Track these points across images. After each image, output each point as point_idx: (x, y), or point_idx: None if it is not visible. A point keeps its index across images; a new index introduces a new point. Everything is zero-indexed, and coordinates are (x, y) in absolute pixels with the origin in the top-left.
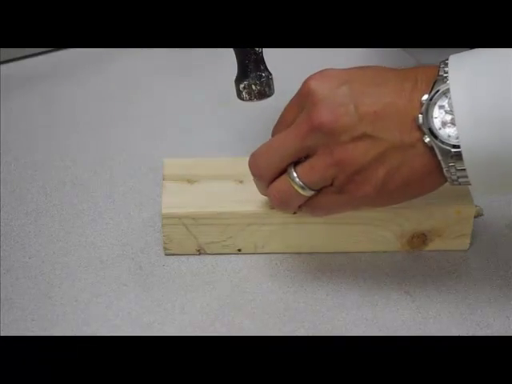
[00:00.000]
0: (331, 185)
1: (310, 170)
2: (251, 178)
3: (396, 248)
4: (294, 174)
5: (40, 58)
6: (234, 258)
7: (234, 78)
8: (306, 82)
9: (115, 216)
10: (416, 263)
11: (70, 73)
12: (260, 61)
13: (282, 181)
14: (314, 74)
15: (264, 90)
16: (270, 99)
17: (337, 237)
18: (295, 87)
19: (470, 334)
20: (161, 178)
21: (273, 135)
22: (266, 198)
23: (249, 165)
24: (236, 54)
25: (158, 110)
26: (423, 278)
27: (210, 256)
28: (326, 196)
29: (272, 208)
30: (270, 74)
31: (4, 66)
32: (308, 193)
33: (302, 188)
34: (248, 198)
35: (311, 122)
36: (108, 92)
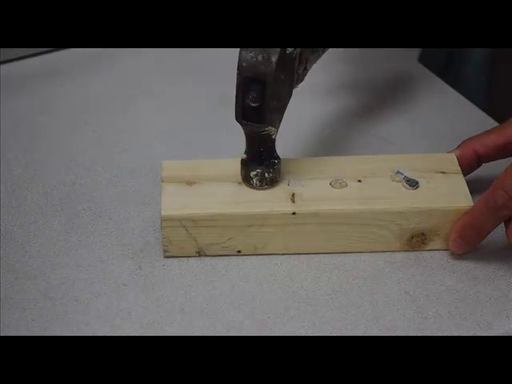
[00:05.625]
0: None
1: None
2: None
3: (395, 248)
4: None
5: (40, 57)
6: (234, 258)
7: (241, 159)
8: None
9: (115, 216)
10: (416, 263)
11: (70, 73)
12: (273, 148)
13: None
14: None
15: (275, 176)
16: None
17: (336, 237)
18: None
19: (470, 334)
20: (160, 179)
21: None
22: (265, 199)
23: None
24: (250, 139)
25: (158, 110)
26: (423, 278)
27: (210, 256)
28: None
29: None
30: (279, 159)
31: (4, 66)
32: None
33: None
34: (247, 199)
35: None
36: (108, 92)
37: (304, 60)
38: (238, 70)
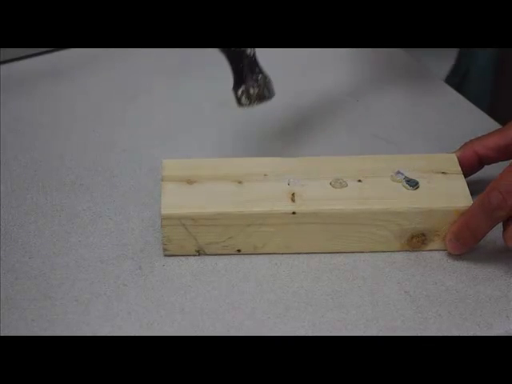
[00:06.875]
0: None
1: None
2: (250, 178)
3: (395, 248)
4: None
5: (40, 58)
6: (234, 258)
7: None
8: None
9: (115, 216)
10: (416, 263)
11: (70, 73)
12: (254, 63)
13: None
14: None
15: (263, 92)
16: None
17: (336, 237)
18: (293, 86)
19: (470, 334)
20: (160, 178)
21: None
22: (265, 198)
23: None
24: (228, 60)
25: (157, 110)
26: (423, 278)
27: (210, 256)
28: None
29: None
30: (267, 76)
31: (4, 66)
32: None
33: None
34: (247, 198)
35: None
36: (108, 92)
37: None
38: None
